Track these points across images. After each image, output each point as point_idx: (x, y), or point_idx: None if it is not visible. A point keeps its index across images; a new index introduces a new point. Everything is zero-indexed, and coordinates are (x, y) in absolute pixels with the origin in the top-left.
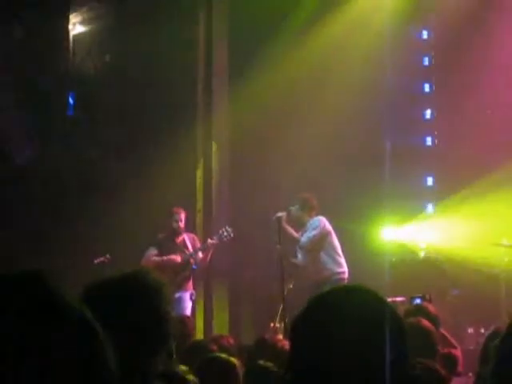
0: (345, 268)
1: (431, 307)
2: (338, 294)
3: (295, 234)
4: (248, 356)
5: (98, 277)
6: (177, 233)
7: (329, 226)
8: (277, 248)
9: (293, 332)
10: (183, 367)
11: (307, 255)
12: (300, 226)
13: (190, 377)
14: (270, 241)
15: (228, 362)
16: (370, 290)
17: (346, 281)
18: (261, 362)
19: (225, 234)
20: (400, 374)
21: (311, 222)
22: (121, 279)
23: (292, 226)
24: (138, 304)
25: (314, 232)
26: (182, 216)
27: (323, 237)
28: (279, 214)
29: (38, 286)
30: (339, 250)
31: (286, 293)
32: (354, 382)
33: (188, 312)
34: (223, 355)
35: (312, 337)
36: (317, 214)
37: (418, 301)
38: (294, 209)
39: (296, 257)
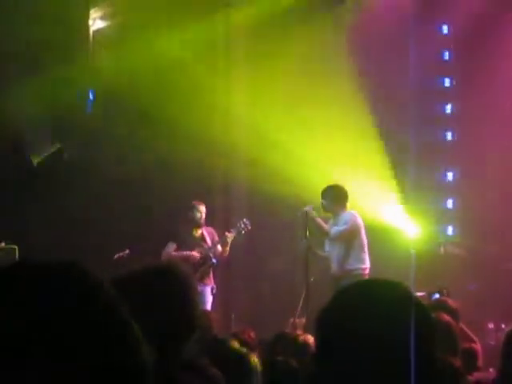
0: (367, 264)
1: (451, 301)
2: (366, 286)
3: (325, 227)
4: (268, 351)
5: (118, 271)
6: (196, 227)
7: (360, 221)
8: (303, 242)
9: (318, 324)
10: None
11: (333, 247)
12: (332, 217)
13: (213, 370)
14: (294, 235)
15: (249, 358)
16: (398, 284)
17: (366, 277)
18: (280, 358)
19: (242, 226)
20: (427, 370)
21: (343, 215)
22: (150, 270)
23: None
24: (167, 293)
25: (344, 226)
26: (203, 209)
27: (353, 232)
28: (306, 208)
29: (80, 274)
30: (365, 247)
31: (308, 287)
32: (380, 375)
33: (209, 306)
34: (244, 350)
35: (338, 329)
36: (348, 205)
37: (436, 296)
38: (325, 202)
39: (323, 249)
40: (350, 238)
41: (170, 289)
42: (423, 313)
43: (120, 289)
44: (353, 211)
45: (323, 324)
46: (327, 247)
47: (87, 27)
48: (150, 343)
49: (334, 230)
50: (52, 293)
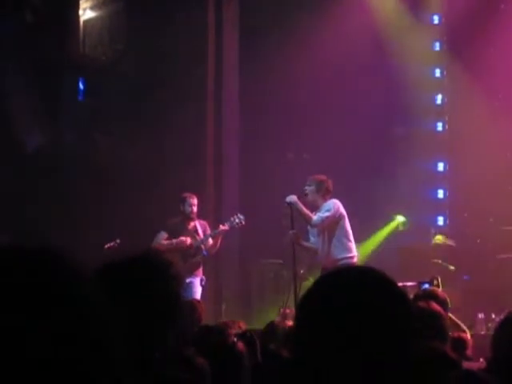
0: (354, 253)
1: (439, 291)
2: (345, 273)
3: (308, 213)
4: (259, 340)
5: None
6: (189, 218)
7: (343, 210)
8: (289, 233)
9: (298, 310)
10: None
11: (318, 238)
12: (313, 208)
13: (200, 359)
14: (281, 226)
15: (234, 347)
16: (377, 271)
17: (354, 265)
18: (272, 346)
19: (236, 220)
20: (406, 357)
21: (325, 204)
22: (131, 260)
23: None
24: (148, 283)
25: (327, 213)
26: (195, 202)
27: (336, 220)
28: (289, 198)
29: (56, 259)
30: (350, 235)
31: (297, 278)
32: (356, 360)
33: (198, 297)
34: (234, 339)
35: (316, 315)
36: (331, 198)
37: (426, 285)
38: (308, 189)
39: (308, 240)
40: (332, 225)
41: (150, 277)
42: (398, 298)
43: (102, 278)
44: (334, 199)
45: (302, 310)
46: (312, 238)
47: (78, 17)
48: (132, 331)
49: (316, 216)
50: (22, 279)
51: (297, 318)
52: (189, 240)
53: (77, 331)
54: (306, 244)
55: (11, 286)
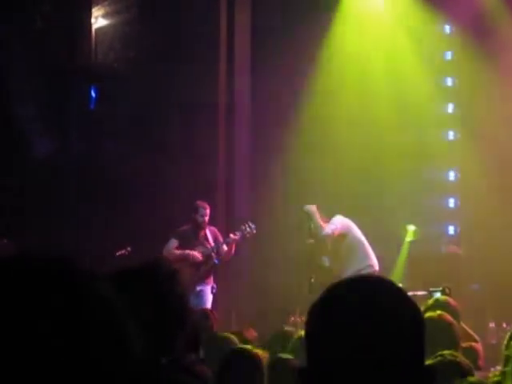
0: (371, 262)
1: (451, 300)
2: (354, 283)
3: (322, 224)
4: (267, 349)
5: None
6: (200, 227)
7: (347, 221)
8: (308, 242)
9: (307, 320)
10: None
11: (331, 257)
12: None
13: (201, 367)
14: (299, 234)
15: (254, 355)
16: (387, 281)
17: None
18: (282, 355)
19: (247, 229)
20: (415, 368)
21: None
22: (141, 268)
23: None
24: (157, 291)
25: (332, 226)
26: (207, 211)
27: (342, 234)
28: (307, 207)
29: (66, 268)
30: (362, 245)
31: (310, 286)
32: (367, 371)
33: (209, 305)
34: (249, 347)
35: (326, 326)
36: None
37: (437, 294)
38: (310, 223)
39: (323, 261)
40: (341, 239)
41: (159, 285)
42: (413, 311)
43: (113, 285)
44: (337, 215)
45: (311, 320)
46: (326, 261)
47: (89, 25)
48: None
49: (326, 228)
50: (38, 291)
51: (307, 326)
52: (200, 256)
53: (100, 339)
54: (319, 263)
55: (25, 298)
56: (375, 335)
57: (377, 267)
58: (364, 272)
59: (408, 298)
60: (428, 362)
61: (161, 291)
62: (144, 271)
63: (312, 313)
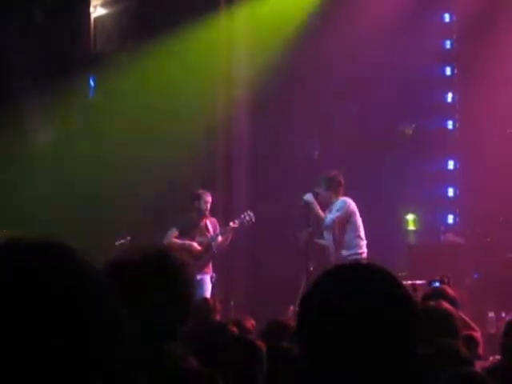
0: (363, 249)
1: (449, 290)
2: (349, 269)
3: (321, 215)
4: (264, 338)
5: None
6: (201, 216)
7: (354, 207)
8: (305, 231)
9: (300, 306)
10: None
11: (329, 235)
12: (326, 205)
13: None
14: (293, 222)
15: (254, 344)
16: (382, 268)
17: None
18: (281, 344)
19: (246, 218)
20: (411, 354)
21: (336, 202)
22: (142, 257)
23: (320, 207)
24: (160, 281)
25: (337, 214)
26: (209, 199)
27: (347, 218)
28: (307, 196)
29: (65, 253)
30: (361, 232)
31: (308, 275)
32: (360, 359)
33: (208, 294)
34: (248, 337)
35: (319, 311)
36: (344, 193)
37: (436, 284)
38: (319, 190)
39: (322, 237)
40: (342, 223)
41: (163, 275)
42: (401, 293)
43: (113, 275)
44: (346, 198)
45: (303, 306)
46: (325, 236)
47: (88, 14)
48: (144, 328)
49: (327, 218)
50: (39, 277)
51: (299, 315)
52: (199, 247)
53: (89, 333)
54: (319, 241)
55: (18, 287)
56: (368, 322)
57: (365, 255)
58: (355, 258)
59: (400, 284)
60: (426, 350)
61: (173, 278)
62: (154, 259)
63: (306, 297)
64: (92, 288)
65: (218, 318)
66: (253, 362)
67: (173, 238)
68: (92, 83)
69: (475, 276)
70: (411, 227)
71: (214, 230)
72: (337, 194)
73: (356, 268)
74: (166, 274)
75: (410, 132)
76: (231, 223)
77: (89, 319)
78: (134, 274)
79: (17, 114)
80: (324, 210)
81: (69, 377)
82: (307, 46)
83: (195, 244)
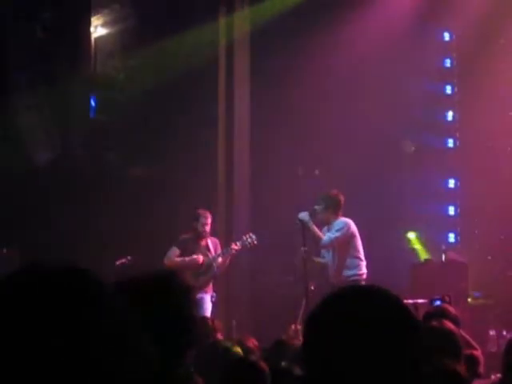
0: (363, 270)
1: (451, 308)
2: (353, 292)
3: (319, 234)
4: (267, 358)
5: (119, 278)
6: (201, 236)
7: (354, 229)
8: (300, 250)
9: (306, 329)
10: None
11: (329, 255)
12: (325, 225)
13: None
14: (293, 242)
15: (258, 365)
16: (385, 290)
17: (363, 282)
18: (283, 363)
19: (249, 240)
20: (413, 376)
21: (336, 222)
22: (147, 280)
23: (316, 226)
24: (163, 306)
25: (337, 234)
26: (209, 220)
27: (348, 239)
28: (302, 215)
29: (84, 281)
30: (361, 254)
31: (308, 295)
32: (364, 378)
33: (208, 314)
34: (251, 358)
35: (324, 334)
36: (343, 214)
37: (437, 302)
38: (318, 208)
39: (320, 256)
40: (343, 245)
41: (169, 299)
42: (410, 320)
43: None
44: (346, 219)
45: (309, 329)
46: (325, 254)
47: (89, 34)
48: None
49: (326, 236)
50: (55, 301)
51: (304, 335)
52: (201, 258)
53: (90, 334)
54: (317, 260)
55: (44, 310)
56: (372, 343)
57: (365, 276)
58: (354, 279)
59: (403, 305)
60: (426, 370)
61: (176, 303)
62: (159, 283)
63: (311, 320)
64: (96, 293)
65: (220, 337)
66: (257, 382)
67: (174, 256)
68: (93, 103)
69: (476, 294)
70: (416, 246)
71: (216, 250)
72: (336, 214)
73: (359, 289)
74: (168, 297)
75: (413, 148)
76: (233, 245)
77: (89, 320)
78: (137, 298)
79: (17, 132)
80: (320, 229)
81: (69, 377)
82: (307, 63)
83: (195, 256)
